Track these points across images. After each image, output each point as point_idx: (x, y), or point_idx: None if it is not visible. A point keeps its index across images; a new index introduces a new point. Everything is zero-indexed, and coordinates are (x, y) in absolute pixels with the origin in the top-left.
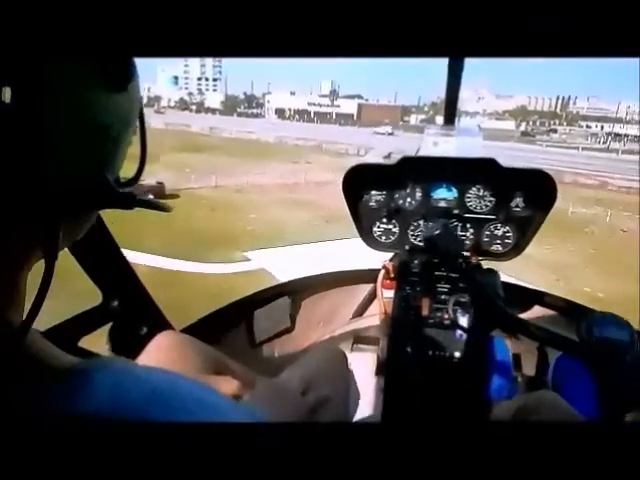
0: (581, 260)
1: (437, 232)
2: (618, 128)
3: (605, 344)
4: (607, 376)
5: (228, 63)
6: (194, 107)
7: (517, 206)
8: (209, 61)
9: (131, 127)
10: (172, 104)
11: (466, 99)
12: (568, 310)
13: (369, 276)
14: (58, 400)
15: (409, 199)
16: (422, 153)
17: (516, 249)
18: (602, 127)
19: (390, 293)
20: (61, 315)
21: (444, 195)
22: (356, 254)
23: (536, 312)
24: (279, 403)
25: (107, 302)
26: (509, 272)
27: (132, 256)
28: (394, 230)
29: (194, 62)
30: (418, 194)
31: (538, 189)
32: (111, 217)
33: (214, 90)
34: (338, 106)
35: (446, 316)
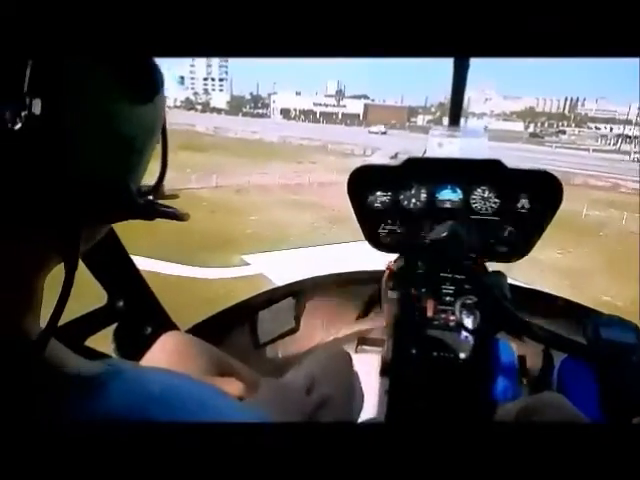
0: (597, 266)
1: (442, 233)
2: (627, 130)
3: (611, 346)
4: (613, 378)
5: (234, 63)
6: (199, 107)
7: (523, 207)
8: (215, 61)
9: (155, 138)
10: (178, 104)
11: (474, 100)
12: (573, 312)
13: (373, 277)
14: (74, 407)
15: (414, 200)
16: (428, 154)
17: (522, 250)
18: (611, 129)
19: (395, 294)
20: (67, 315)
21: (449, 196)
22: (360, 258)
23: (542, 314)
24: (283, 403)
25: (112, 302)
26: (525, 279)
27: None
28: (399, 231)
29: (200, 62)
30: (423, 195)
31: (544, 190)
32: None
33: (220, 90)
34: (344, 106)
35: (451, 318)
